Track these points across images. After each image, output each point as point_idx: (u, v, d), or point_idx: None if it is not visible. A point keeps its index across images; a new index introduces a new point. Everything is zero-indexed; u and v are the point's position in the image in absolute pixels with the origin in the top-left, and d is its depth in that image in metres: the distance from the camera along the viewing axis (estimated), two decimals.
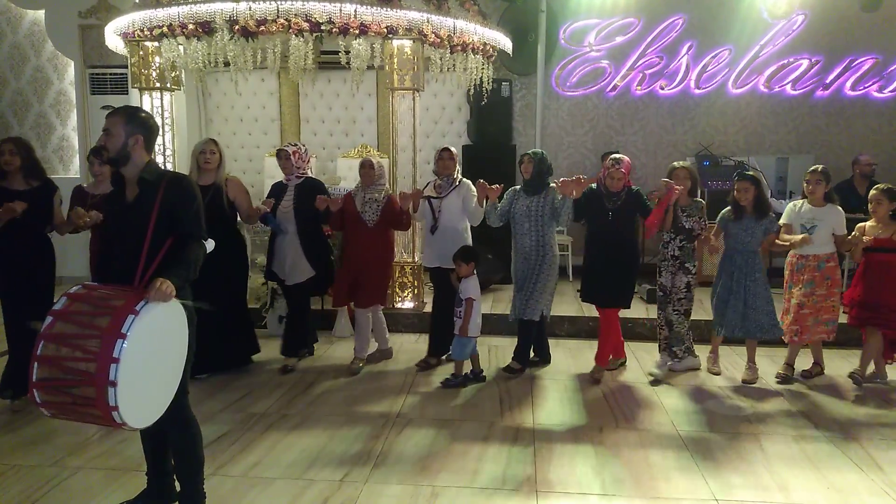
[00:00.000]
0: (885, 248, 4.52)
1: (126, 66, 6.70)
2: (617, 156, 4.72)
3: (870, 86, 7.72)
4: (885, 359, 4.74)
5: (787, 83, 7.77)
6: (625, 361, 5.14)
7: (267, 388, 4.66)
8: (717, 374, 4.89)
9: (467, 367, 4.80)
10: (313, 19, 5.35)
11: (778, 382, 4.75)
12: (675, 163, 4.87)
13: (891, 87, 7.70)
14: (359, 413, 4.23)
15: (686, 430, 3.97)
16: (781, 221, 4.77)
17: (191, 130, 8.01)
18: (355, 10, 5.39)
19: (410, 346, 5.61)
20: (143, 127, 2.74)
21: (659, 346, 4.99)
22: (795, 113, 7.84)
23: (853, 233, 4.66)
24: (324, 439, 3.82)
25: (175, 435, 2.83)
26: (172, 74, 6.27)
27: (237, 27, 5.40)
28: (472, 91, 6.87)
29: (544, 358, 5.17)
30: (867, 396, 4.52)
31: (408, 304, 6.15)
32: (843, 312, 4.81)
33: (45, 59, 8.22)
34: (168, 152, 6.57)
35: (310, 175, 5.17)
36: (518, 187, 4.94)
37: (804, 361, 4.90)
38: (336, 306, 5.41)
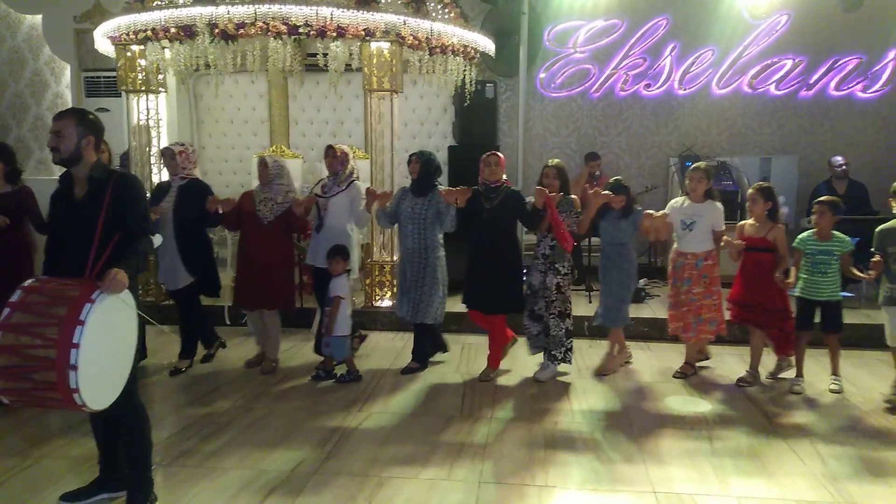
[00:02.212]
0: (759, 248, 4.54)
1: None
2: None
3: (854, 86, 7.74)
4: (778, 354, 4.74)
5: (771, 83, 7.81)
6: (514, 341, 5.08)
7: (237, 384, 4.78)
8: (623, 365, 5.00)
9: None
10: (291, 22, 5.48)
11: (676, 377, 4.85)
12: (549, 160, 4.82)
13: (875, 88, 7.71)
14: (321, 407, 4.34)
15: (639, 424, 4.03)
16: (662, 212, 4.81)
17: (182, 132, 8.16)
18: (332, 14, 5.51)
19: (387, 345, 5.70)
20: (94, 128, 2.88)
21: (529, 346, 4.91)
22: (779, 113, 7.87)
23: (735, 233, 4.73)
24: (283, 432, 3.93)
25: (124, 420, 2.94)
26: (158, 77, 6.43)
27: (217, 30, 5.55)
28: (456, 93, 6.98)
29: (440, 349, 5.21)
30: (803, 395, 4.57)
31: (386, 303, 6.25)
32: (727, 310, 4.83)
33: (42, 63, 8.43)
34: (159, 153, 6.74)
35: (196, 177, 5.04)
36: (406, 187, 4.93)
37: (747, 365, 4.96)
38: (244, 309, 5.18)
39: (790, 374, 4.75)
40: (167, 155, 4.93)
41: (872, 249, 4.35)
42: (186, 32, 5.65)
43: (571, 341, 4.76)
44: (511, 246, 4.72)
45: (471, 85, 6.59)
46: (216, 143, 8.59)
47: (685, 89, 7.93)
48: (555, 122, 8.20)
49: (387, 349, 5.56)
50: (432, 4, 6.08)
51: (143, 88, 6.45)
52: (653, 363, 5.21)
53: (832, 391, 4.56)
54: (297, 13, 5.43)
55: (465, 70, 6.47)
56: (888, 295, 4.30)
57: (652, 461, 3.55)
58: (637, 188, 7.82)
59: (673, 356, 5.21)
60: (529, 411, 4.27)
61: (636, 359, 5.25)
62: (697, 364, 4.99)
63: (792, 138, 7.88)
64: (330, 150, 5.04)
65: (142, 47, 6.17)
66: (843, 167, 6.93)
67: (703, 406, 4.35)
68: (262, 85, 8.25)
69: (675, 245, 4.84)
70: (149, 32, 5.83)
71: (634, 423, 4.06)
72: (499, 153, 4.80)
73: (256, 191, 4.98)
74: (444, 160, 7.84)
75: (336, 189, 4.96)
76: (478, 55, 6.64)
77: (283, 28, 5.48)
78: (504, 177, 4.77)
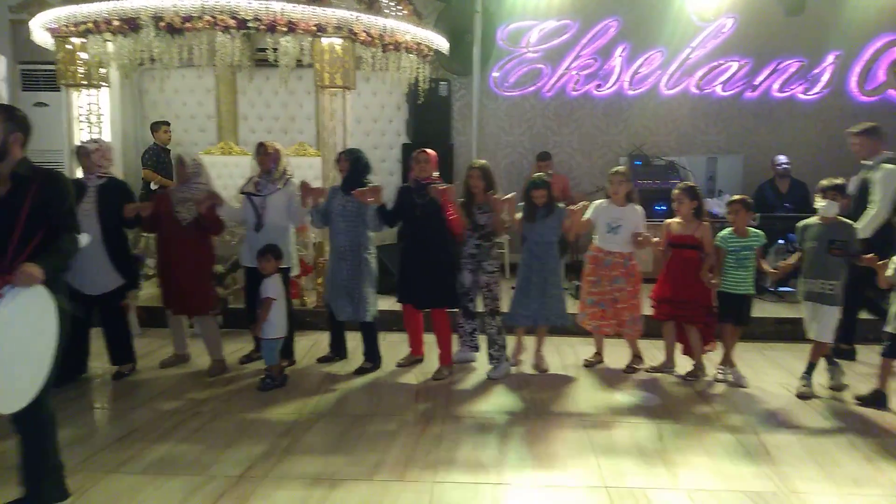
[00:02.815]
0: (686, 245, 4.67)
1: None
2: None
3: (796, 88, 8.00)
4: (702, 347, 4.86)
5: (718, 85, 8.01)
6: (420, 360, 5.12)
7: (183, 386, 4.65)
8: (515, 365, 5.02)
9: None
10: (239, 16, 5.35)
11: (585, 365, 5.00)
12: (474, 161, 4.87)
13: (815, 90, 7.98)
14: (271, 409, 4.24)
15: (592, 419, 4.07)
16: (586, 216, 4.85)
17: (125, 128, 7.90)
18: (282, 8, 5.41)
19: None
20: (22, 125, 2.78)
21: (461, 344, 4.99)
22: (725, 114, 8.08)
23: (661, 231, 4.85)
24: (231, 436, 3.83)
25: (23, 426, 2.82)
26: (100, 71, 6.21)
27: (163, 24, 5.38)
28: (409, 90, 6.94)
29: (340, 354, 5.13)
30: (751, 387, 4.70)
31: None
32: (651, 307, 4.94)
33: None
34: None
35: (113, 175, 4.85)
36: (337, 186, 4.91)
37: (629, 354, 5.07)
38: (174, 313, 4.98)
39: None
40: (82, 153, 4.70)
41: (794, 245, 4.54)
42: (130, 25, 5.47)
43: (505, 338, 4.83)
44: (444, 242, 4.70)
45: (424, 83, 6.56)
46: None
47: (635, 90, 8.06)
48: (508, 121, 8.23)
49: (353, 350, 5.44)
50: (385, 1, 6.03)
51: (84, 83, 6.21)
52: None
53: (717, 380, 4.72)
54: (246, 7, 5.31)
55: (418, 68, 6.44)
56: (806, 290, 4.46)
57: (603, 456, 3.59)
58: (588, 188, 7.94)
59: (590, 350, 5.25)
60: (483, 410, 4.26)
61: (577, 355, 5.27)
62: (594, 362, 5.09)
63: (737, 138, 8.09)
64: (261, 147, 4.92)
65: (83, 40, 5.94)
66: (786, 166, 7.14)
67: (648, 400, 4.43)
68: (210, 80, 8.06)
69: (594, 243, 4.91)
70: (90, 25, 5.62)
71: (586, 419, 4.10)
72: (429, 150, 4.80)
73: (173, 191, 4.81)
74: (398, 158, 7.81)
75: (272, 188, 4.84)
76: (431, 53, 6.61)
77: (232, 22, 5.35)
78: (436, 174, 4.77)
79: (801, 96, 8.02)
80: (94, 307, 4.68)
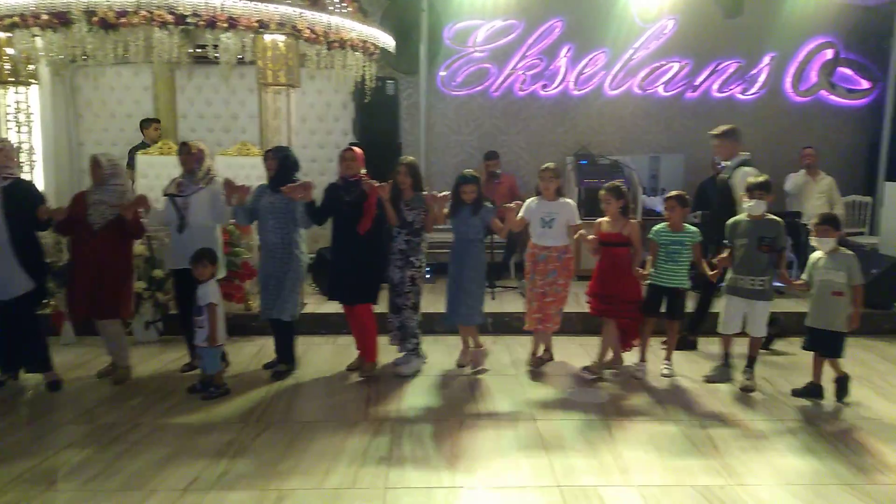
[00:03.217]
0: (615, 242, 4.77)
1: None
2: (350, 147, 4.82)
3: (734, 88, 8.22)
4: (622, 347, 4.98)
5: (660, 85, 8.16)
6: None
7: (122, 397, 4.46)
8: (463, 365, 5.01)
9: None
10: (177, 12, 5.17)
11: (531, 368, 4.97)
12: (402, 158, 4.90)
13: (752, 90, 8.22)
14: (216, 419, 4.11)
15: (542, 418, 4.08)
16: (519, 215, 4.89)
17: (57, 127, 7.56)
18: (223, 3, 5.25)
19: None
20: None
21: (390, 339, 4.94)
22: (667, 113, 8.24)
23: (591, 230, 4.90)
24: (174, 448, 3.68)
25: None
26: (28, 68, 5.91)
27: (96, 18, 5.15)
28: (356, 89, 6.83)
29: (286, 360, 4.95)
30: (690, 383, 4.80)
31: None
32: (586, 303, 5.03)
33: None
34: (31, 149, 6.21)
35: (19, 176, 4.70)
36: (265, 184, 4.83)
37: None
38: (74, 320, 4.82)
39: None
40: None
41: (724, 241, 4.64)
42: (60, 20, 5.20)
43: (418, 332, 4.88)
44: (371, 238, 4.67)
45: (371, 81, 6.48)
46: (96, 138, 8.01)
47: (580, 90, 8.14)
48: (456, 120, 8.21)
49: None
50: None
51: (11, 80, 5.90)
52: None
53: (663, 375, 4.82)
54: (185, 2, 5.13)
55: (364, 66, 6.35)
56: (731, 285, 4.60)
57: (555, 455, 3.59)
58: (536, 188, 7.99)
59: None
60: (435, 412, 4.23)
61: (521, 353, 5.28)
62: (544, 359, 5.12)
63: (679, 137, 8.26)
64: (185, 146, 4.80)
65: (9, 34, 5.63)
66: (721, 165, 7.31)
67: (600, 396, 4.47)
68: (147, 77, 7.77)
69: (531, 240, 4.95)
70: (16, 19, 5.33)
71: (537, 418, 4.10)
72: (355, 148, 4.78)
73: (89, 192, 4.61)
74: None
75: (194, 187, 4.71)
76: (378, 51, 6.53)
77: (169, 18, 5.15)
78: (363, 171, 4.75)
79: (740, 96, 8.24)
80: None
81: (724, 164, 5.39)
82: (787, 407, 4.30)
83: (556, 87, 8.11)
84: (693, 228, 4.80)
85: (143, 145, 7.40)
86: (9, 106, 6.01)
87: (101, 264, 4.52)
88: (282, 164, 4.72)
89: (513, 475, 3.39)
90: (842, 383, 4.39)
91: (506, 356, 5.27)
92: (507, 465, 3.49)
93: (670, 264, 4.75)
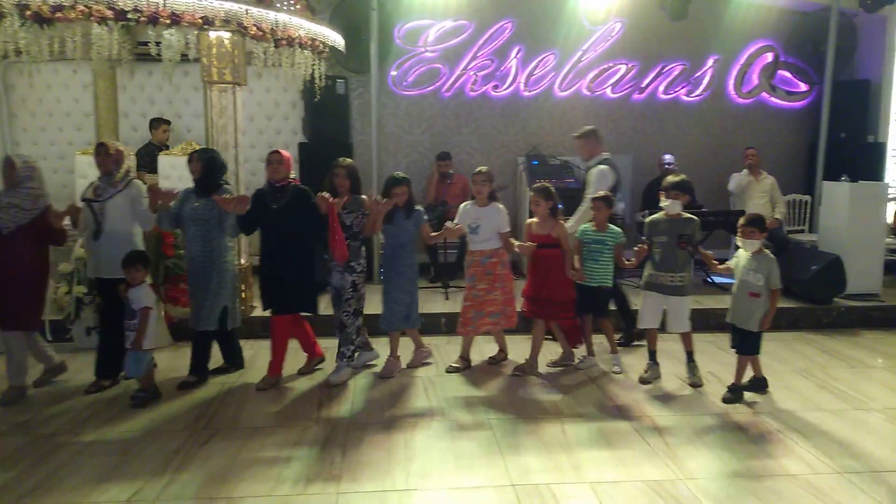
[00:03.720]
0: (545, 244, 4.81)
1: None
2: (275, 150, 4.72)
3: (679, 90, 8.39)
4: (571, 345, 5.07)
5: (608, 87, 8.27)
6: (322, 359, 5.03)
7: (62, 406, 4.28)
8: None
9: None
10: (117, 6, 4.98)
11: (448, 371, 4.94)
12: (340, 159, 4.74)
13: (697, 92, 8.41)
14: (160, 427, 3.98)
15: (496, 418, 4.08)
16: (456, 222, 4.87)
17: None
18: None
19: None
20: None
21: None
22: (615, 115, 8.36)
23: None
24: (116, 459, 3.55)
25: None
26: None
27: (29, 13, 4.92)
28: (305, 88, 6.71)
29: (235, 364, 4.94)
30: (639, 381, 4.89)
31: None
32: (522, 306, 5.07)
33: None
34: None
35: None
36: (190, 188, 4.64)
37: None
38: None
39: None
40: None
41: (643, 237, 4.74)
42: None
43: (361, 341, 4.80)
44: (301, 245, 4.56)
45: (320, 80, 6.38)
46: (33, 138, 7.69)
47: (530, 91, 8.20)
48: (408, 120, 8.17)
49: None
50: None
51: None
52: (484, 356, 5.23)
53: (614, 373, 4.89)
54: None
55: (314, 64, 6.25)
56: (648, 281, 4.69)
57: (509, 454, 3.59)
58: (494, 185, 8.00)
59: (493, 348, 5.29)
60: (388, 414, 4.18)
61: (482, 353, 5.29)
62: (498, 359, 5.15)
63: (626, 138, 8.40)
64: (102, 147, 4.55)
65: None
66: (672, 165, 7.49)
67: (552, 395, 4.49)
68: (87, 75, 7.50)
69: (468, 247, 4.95)
70: None
71: (491, 417, 4.10)
72: (282, 151, 4.64)
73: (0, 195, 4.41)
74: (296, 157, 7.55)
75: (112, 190, 4.49)
76: (327, 49, 6.43)
77: (109, 13, 4.94)
78: (292, 175, 4.67)
79: (685, 98, 8.43)
80: None
81: (589, 163, 5.50)
82: (737, 402, 4.40)
83: (507, 88, 8.15)
84: (616, 229, 4.85)
85: (150, 146, 7.17)
86: None
87: (8, 271, 4.29)
88: (207, 166, 4.53)
89: (467, 476, 3.37)
90: (759, 384, 4.47)
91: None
92: (461, 466, 3.47)
93: (590, 263, 4.83)
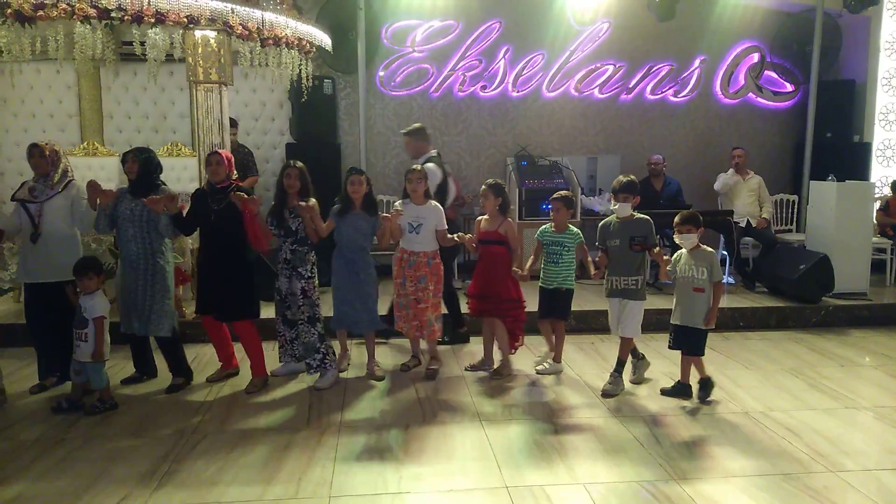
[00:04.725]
0: (492, 241, 4.75)
1: None
2: (217, 148, 4.63)
3: (667, 90, 8.42)
4: (509, 347, 4.95)
5: (595, 87, 8.29)
6: (237, 372, 4.86)
7: (48, 411, 4.19)
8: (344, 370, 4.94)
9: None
10: (101, 5, 4.91)
11: (402, 370, 4.90)
12: (292, 161, 4.66)
13: (684, 92, 8.45)
14: (150, 431, 3.91)
15: (488, 420, 4.05)
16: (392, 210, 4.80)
17: None
18: None
19: None
20: None
21: (279, 353, 4.82)
22: (603, 115, 8.38)
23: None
24: (103, 464, 3.48)
25: None
26: None
27: (10, 11, 4.84)
28: (292, 88, 6.65)
29: (148, 372, 4.77)
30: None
31: None
32: (466, 304, 5.05)
33: None
34: None
35: None
36: (125, 188, 4.53)
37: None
38: None
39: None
40: None
41: (597, 244, 4.67)
42: None
43: (328, 345, 4.65)
44: (241, 249, 4.47)
45: (308, 80, 6.33)
46: (15, 139, 7.56)
47: (519, 91, 8.19)
48: (396, 120, 8.13)
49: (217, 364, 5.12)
50: None
51: None
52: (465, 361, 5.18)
53: (538, 373, 4.84)
54: None
55: (300, 64, 6.20)
56: (607, 286, 4.60)
57: (502, 456, 3.56)
58: (477, 188, 7.91)
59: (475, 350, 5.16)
60: (379, 416, 4.14)
61: (467, 357, 5.24)
62: (410, 366, 5.04)
63: (614, 139, 8.41)
64: (35, 148, 4.41)
65: None
66: (653, 165, 7.50)
67: (544, 397, 4.47)
68: (70, 75, 7.39)
69: (400, 244, 4.82)
70: None
71: (484, 419, 4.07)
72: (221, 151, 4.55)
73: None
74: (282, 158, 7.51)
75: (49, 192, 4.39)
76: (314, 49, 6.39)
77: (92, 11, 4.88)
78: (235, 176, 4.61)
79: (672, 98, 8.46)
80: None
81: (416, 161, 5.41)
82: (725, 399, 4.40)
83: (495, 89, 8.14)
84: (575, 230, 4.79)
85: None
86: None
87: None
88: (143, 167, 4.43)
89: (460, 478, 3.34)
90: (705, 384, 4.39)
91: (453, 360, 5.22)
92: (454, 469, 3.44)
93: (550, 265, 4.77)
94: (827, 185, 6.74)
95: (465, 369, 4.97)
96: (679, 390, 4.41)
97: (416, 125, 5.56)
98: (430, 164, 5.22)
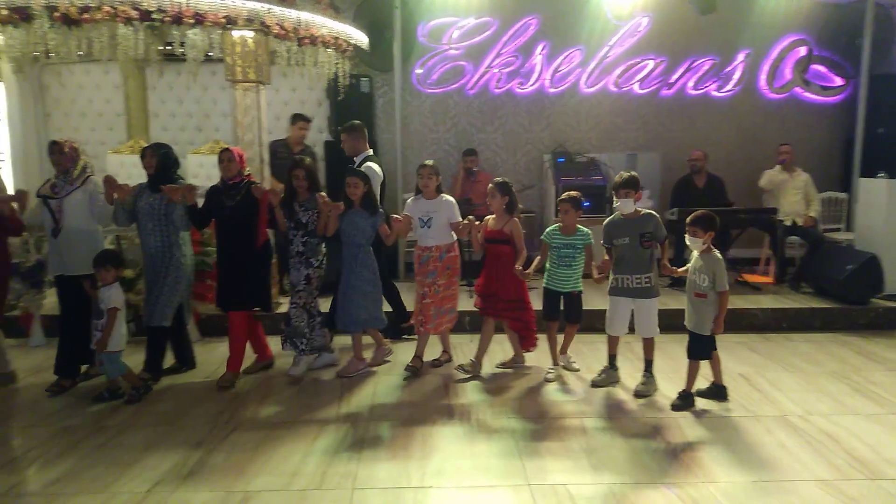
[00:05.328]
0: (498, 240, 4.68)
1: None
2: (227, 146, 4.67)
3: (709, 85, 8.23)
4: (522, 347, 4.90)
5: (635, 83, 8.15)
6: (272, 363, 5.00)
7: (89, 399, 4.36)
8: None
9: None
10: (142, 7, 5.06)
11: (407, 376, 4.77)
12: (300, 157, 4.70)
13: (727, 87, 8.24)
14: (184, 420, 4.03)
15: (516, 420, 4.03)
16: (404, 212, 4.80)
17: (25, 126, 7.42)
18: None
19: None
20: None
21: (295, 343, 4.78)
22: (643, 111, 8.23)
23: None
24: (138, 450, 3.60)
25: None
26: None
27: (57, 14, 5.03)
28: (329, 86, 6.73)
29: (186, 363, 4.91)
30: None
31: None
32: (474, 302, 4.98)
33: None
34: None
35: None
36: (144, 183, 4.64)
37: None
38: None
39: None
40: None
41: (602, 243, 4.55)
42: (21, 15, 5.07)
43: (318, 335, 4.74)
44: (253, 244, 4.56)
45: (344, 79, 6.40)
46: (67, 138, 7.83)
47: (556, 88, 8.12)
48: (432, 118, 8.15)
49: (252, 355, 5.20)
50: None
51: None
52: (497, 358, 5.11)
53: (547, 380, 4.69)
54: None
55: (337, 63, 6.27)
56: (614, 286, 4.48)
57: (527, 455, 3.54)
58: (515, 185, 7.90)
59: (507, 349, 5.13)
60: (408, 412, 4.16)
61: (496, 354, 5.21)
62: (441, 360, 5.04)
63: (655, 135, 8.26)
64: (55, 146, 4.55)
65: None
66: (694, 161, 7.32)
67: (573, 398, 4.42)
68: (117, 75, 7.63)
69: (417, 242, 4.83)
70: None
71: (511, 419, 4.05)
72: (233, 148, 4.65)
73: None
74: (322, 156, 7.61)
75: (69, 188, 4.49)
76: (350, 48, 6.46)
77: (134, 13, 5.03)
78: (247, 172, 4.67)
79: (715, 93, 8.26)
80: None
81: (357, 159, 5.41)
82: (763, 402, 4.29)
83: (532, 85, 8.08)
84: (585, 230, 4.67)
85: (275, 143, 6.71)
86: None
87: None
88: (161, 162, 4.55)
89: (483, 475, 3.34)
90: (717, 391, 4.26)
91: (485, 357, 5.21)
92: (478, 466, 3.43)
93: (563, 269, 4.66)
94: (877, 183, 6.50)
95: (497, 366, 4.95)
96: (714, 392, 4.30)
97: (355, 122, 5.49)
98: (371, 164, 5.24)
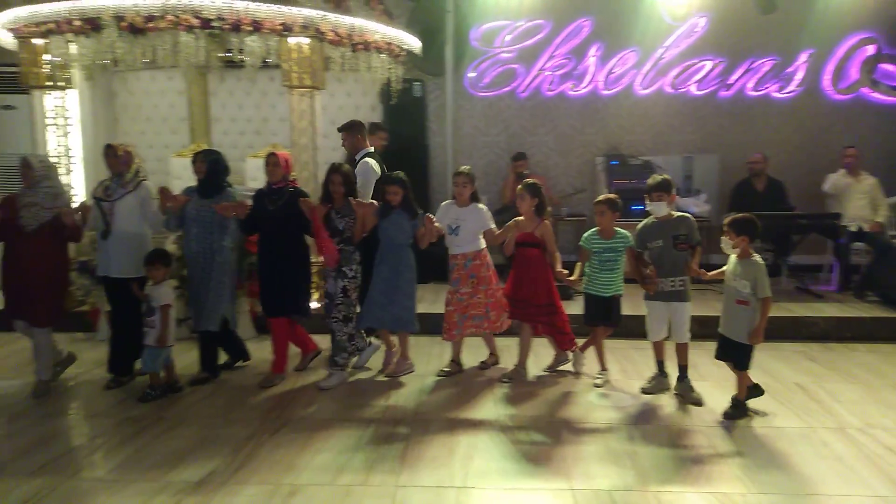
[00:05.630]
0: (528, 243, 4.60)
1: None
2: (273, 150, 4.72)
3: (770, 86, 7.99)
4: (560, 347, 4.83)
5: (692, 84, 7.99)
6: (319, 352, 5.04)
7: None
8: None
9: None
10: (202, 16, 5.27)
11: (440, 375, 4.81)
12: (337, 164, 4.69)
13: (789, 88, 7.98)
14: (238, 414, 4.17)
15: (564, 425, 4.01)
16: (435, 223, 4.65)
17: (96, 131, 7.75)
18: (246, 7, 5.33)
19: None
20: None
21: (337, 348, 4.75)
22: (700, 113, 8.06)
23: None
24: (193, 441, 3.75)
25: None
26: (65, 73, 6.08)
27: (124, 24, 5.29)
28: (382, 91, 6.83)
29: (241, 356, 5.04)
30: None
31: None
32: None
33: None
34: (72, 153, 6.39)
35: None
36: (192, 187, 4.70)
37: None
38: (11, 317, 4.60)
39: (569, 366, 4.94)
40: None
41: (636, 248, 4.44)
42: (92, 25, 5.37)
43: (355, 347, 4.71)
44: (296, 249, 4.61)
45: (397, 83, 6.50)
46: (133, 142, 8.18)
47: (610, 90, 8.03)
48: (484, 121, 8.18)
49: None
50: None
51: (49, 84, 6.08)
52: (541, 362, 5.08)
53: (596, 386, 4.61)
54: (210, 6, 5.23)
55: (390, 68, 6.38)
56: (657, 289, 4.34)
57: (573, 460, 3.52)
58: (566, 188, 7.92)
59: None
60: (453, 414, 4.19)
61: (546, 357, 5.17)
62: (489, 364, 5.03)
63: (712, 137, 8.08)
64: (110, 149, 4.63)
65: (46, 40, 5.82)
66: (752, 164, 7.12)
67: (621, 404, 4.36)
68: (180, 81, 7.94)
69: (449, 250, 4.80)
70: (51, 25, 5.51)
71: (559, 423, 4.03)
72: (278, 152, 4.68)
73: (20, 194, 4.49)
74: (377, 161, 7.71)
75: (121, 191, 4.58)
76: (403, 53, 6.55)
77: (195, 22, 5.26)
78: (292, 177, 4.70)
79: (776, 95, 8.02)
80: None
81: (358, 157, 5.33)
82: (821, 413, 4.15)
83: (584, 87, 8.02)
84: (624, 232, 4.58)
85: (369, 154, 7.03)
86: (49, 110, 6.19)
87: (34, 268, 4.40)
88: (212, 168, 4.63)
89: (526, 478, 3.34)
90: (738, 404, 4.09)
91: (530, 361, 5.20)
92: (522, 469, 3.44)
93: (606, 273, 4.57)
94: None
95: (544, 371, 4.93)
96: (734, 408, 4.11)
97: (352, 120, 5.49)
98: (369, 160, 5.22)
